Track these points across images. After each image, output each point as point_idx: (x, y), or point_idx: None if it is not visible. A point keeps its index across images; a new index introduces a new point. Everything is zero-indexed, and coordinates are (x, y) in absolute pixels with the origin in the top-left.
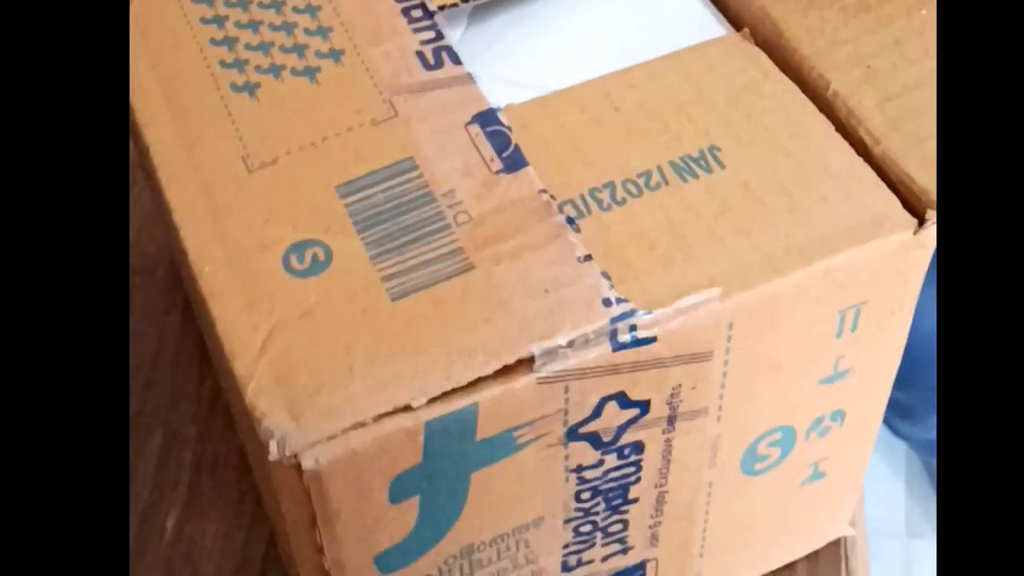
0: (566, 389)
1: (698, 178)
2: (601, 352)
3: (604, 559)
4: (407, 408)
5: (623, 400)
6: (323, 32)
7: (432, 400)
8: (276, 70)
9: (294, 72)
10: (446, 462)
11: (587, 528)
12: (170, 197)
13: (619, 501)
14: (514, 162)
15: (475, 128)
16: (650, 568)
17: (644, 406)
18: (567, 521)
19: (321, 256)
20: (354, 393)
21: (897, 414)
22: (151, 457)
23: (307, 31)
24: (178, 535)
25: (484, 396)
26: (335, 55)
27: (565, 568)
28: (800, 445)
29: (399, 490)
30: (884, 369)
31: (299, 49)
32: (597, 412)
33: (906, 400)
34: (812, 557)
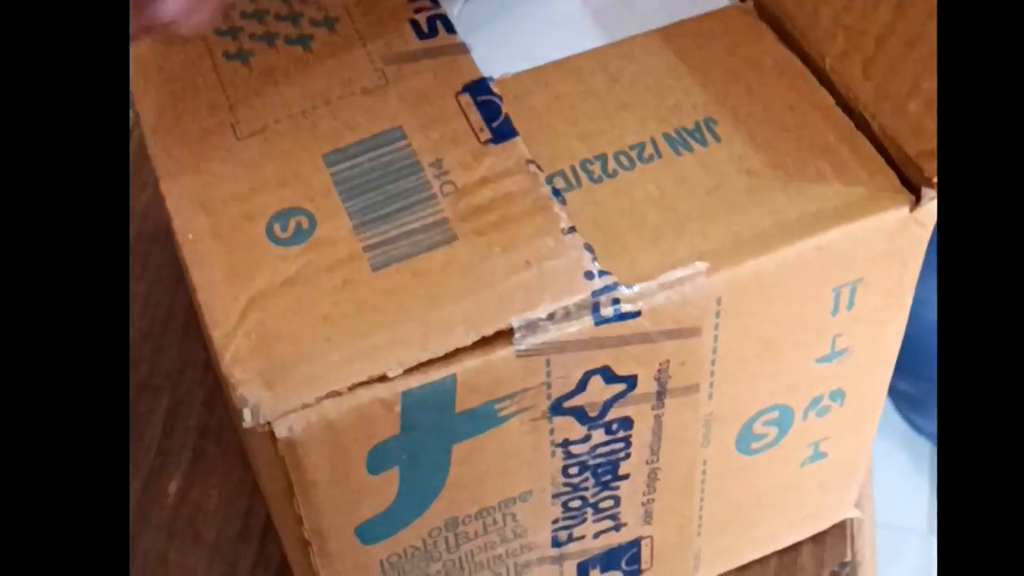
0: (548, 363)
1: (692, 151)
2: (583, 326)
3: (596, 535)
4: (383, 378)
5: (608, 375)
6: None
7: (409, 370)
8: (270, 38)
9: (288, 40)
10: (425, 433)
11: (576, 504)
12: (158, 165)
13: (609, 477)
14: (503, 132)
15: (466, 98)
16: (644, 545)
17: (631, 381)
18: (556, 496)
19: (305, 224)
20: (330, 362)
21: (909, 406)
22: (157, 422)
23: None
24: (181, 499)
25: (462, 367)
26: (329, 23)
27: (555, 543)
28: (798, 425)
29: (377, 461)
30: (884, 349)
31: (294, 17)
32: (581, 386)
33: (915, 392)
34: (818, 539)
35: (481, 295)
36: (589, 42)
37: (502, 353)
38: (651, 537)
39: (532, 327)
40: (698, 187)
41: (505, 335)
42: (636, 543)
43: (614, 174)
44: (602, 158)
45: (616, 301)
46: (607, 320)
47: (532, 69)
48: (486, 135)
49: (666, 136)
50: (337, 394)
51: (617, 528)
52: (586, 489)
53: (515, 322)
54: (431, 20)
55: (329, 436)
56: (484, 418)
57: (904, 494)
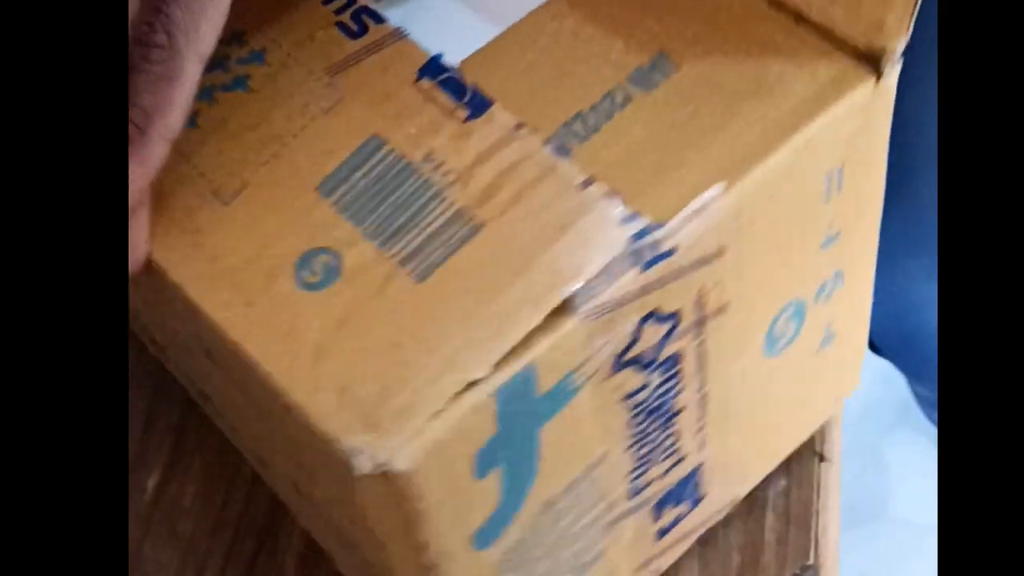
0: (606, 320)
1: (658, 86)
2: (633, 274)
3: (664, 473)
4: (474, 383)
5: (658, 317)
6: (238, 37)
7: (495, 366)
8: (207, 93)
9: (224, 87)
10: (518, 424)
11: (645, 450)
12: (158, 256)
13: (669, 415)
14: (479, 104)
15: (425, 82)
16: (700, 472)
17: (675, 317)
18: (627, 448)
19: (331, 262)
20: (420, 384)
21: (932, 409)
22: (138, 416)
23: (221, 40)
24: (159, 495)
25: (539, 349)
26: (258, 56)
27: (634, 493)
28: (811, 313)
29: (484, 464)
30: (867, 221)
31: (221, 62)
32: (637, 335)
33: (932, 396)
34: (782, 538)
35: (531, 273)
36: (518, 11)
37: (568, 324)
38: (704, 462)
39: (588, 288)
40: (678, 116)
41: (566, 306)
42: (696, 471)
43: (597, 127)
44: (579, 116)
45: (655, 243)
46: (652, 262)
47: (477, 51)
48: (463, 112)
49: (629, 79)
50: (441, 411)
51: (681, 461)
52: (652, 432)
53: (572, 288)
54: (356, 16)
55: (442, 456)
56: (561, 394)
57: (929, 493)
